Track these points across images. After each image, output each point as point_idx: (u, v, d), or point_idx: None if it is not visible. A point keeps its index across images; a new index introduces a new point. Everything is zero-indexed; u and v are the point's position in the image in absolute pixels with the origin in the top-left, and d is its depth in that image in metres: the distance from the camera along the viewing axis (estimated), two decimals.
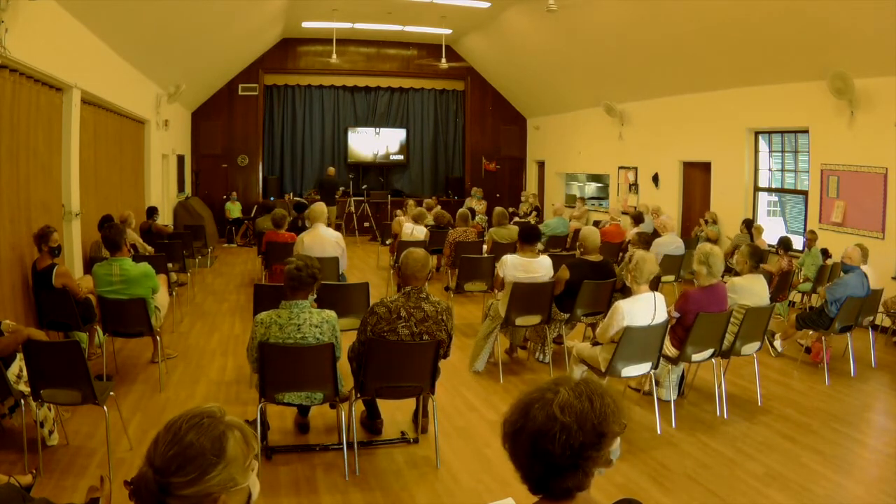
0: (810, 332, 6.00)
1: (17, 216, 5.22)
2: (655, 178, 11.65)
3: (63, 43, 5.99)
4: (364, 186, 15.08)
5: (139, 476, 1.28)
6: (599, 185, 14.29)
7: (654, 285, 4.79)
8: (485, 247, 8.51)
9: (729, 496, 3.57)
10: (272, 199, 14.68)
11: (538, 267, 5.53)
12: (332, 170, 14.34)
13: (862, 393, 5.35)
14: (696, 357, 4.68)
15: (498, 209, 9.02)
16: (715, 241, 9.49)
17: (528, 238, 5.67)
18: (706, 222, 10.03)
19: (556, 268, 5.66)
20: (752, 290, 5.08)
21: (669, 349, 4.68)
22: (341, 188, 14.37)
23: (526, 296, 5.41)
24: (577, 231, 10.43)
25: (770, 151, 9.56)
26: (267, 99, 15.29)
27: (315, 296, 3.78)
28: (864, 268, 5.94)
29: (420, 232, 8.80)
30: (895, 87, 7.05)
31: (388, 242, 10.30)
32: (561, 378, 1.38)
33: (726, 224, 9.75)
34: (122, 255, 5.14)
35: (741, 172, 9.67)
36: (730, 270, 6.70)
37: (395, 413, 4.52)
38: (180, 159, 13.28)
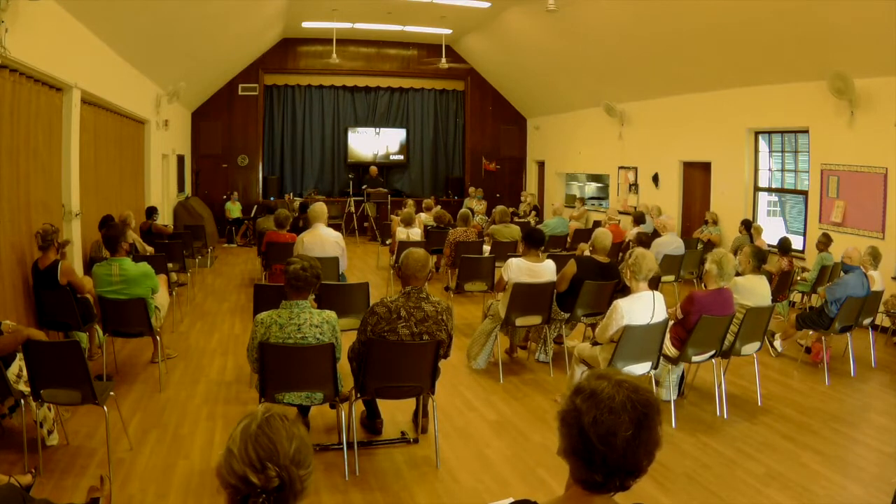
0: (810, 332, 6.00)
1: (17, 216, 5.21)
2: (655, 178, 11.65)
3: (63, 43, 5.98)
4: (364, 186, 15.08)
5: (282, 486, 1.25)
6: (599, 185, 14.29)
7: (654, 285, 4.79)
8: (486, 247, 8.51)
9: (729, 496, 3.57)
10: (272, 199, 14.68)
11: (542, 271, 5.52)
12: (374, 169, 14.75)
13: (862, 393, 5.35)
14: (696, 358, 4.68)
15: (500, 207, 9.03)
16: (717, 245, 9.50)
17: (533, 241, 5.64)
18: (706, 223, 10.02)
19: (557, 268, 5.66)
20: (754, 290, 5.08)
21: (669, 349, 4.68)
22: (385, 190, 14.41)
23: (526, 296, 5.41)
24: (577, 231, 10.47)
25: (770, 151, 9.56)
26: (267, 99, 15.30)
27: (315, 294, 3.78)
28: (872, 273, 5.94)
29: (415, 234, 8.80)
30: (895, 87, 7.05)
31: (387, 242, 10.30)
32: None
33: (726, 224, 9.74)
34: (121, 255, 5.15)
35: (741, 172, 9.67)
36: None
37: (395, 413, 4.51)
38: (180, 159, 13.28)
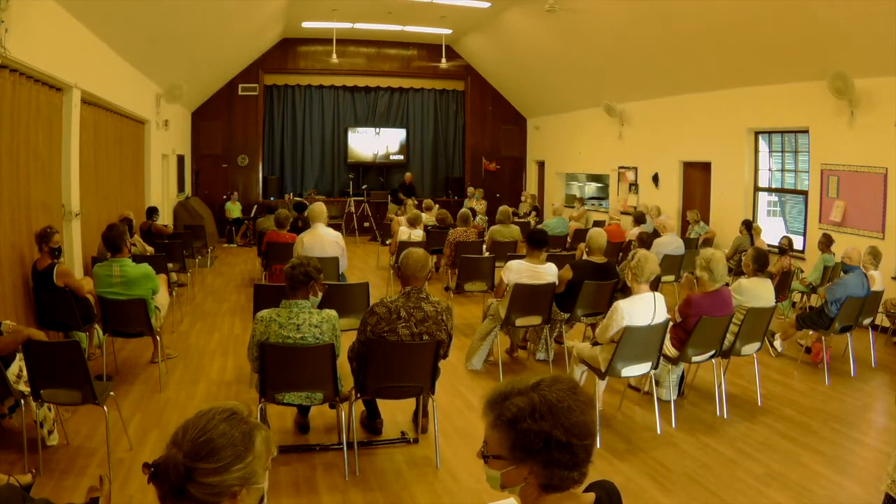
0: (810, 332, 6.00)
1: (17, 216, 5.22)
2: (655, 178, 11.65)
3: (63, 43, 5.98)
4: (364, 186, 15.08)
5: (165, 458, 1.31)
6: (599, 185, 14.29)
7: (654, 285, 4.79)
8: (485, 247, 8.50)
9: (729, 496, 3.57)
10: (272, 199, 14.68)
11: (544, 274, 5.49)
12: (409, 175, 15.20)
13: (862, 393, 5.35)
14: (696, 358, 4.68)
15: (502, 207, 9.02)
16: (711, 241, 9.51)
17: (536, 243, 5.60)
18: (688, 223, 10.07)
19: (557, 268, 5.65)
20: (757, 292, 5.07)
21: (669, 349, 4.68)
22: (411, 199, 14.36)
23: (527, 296, 5.40)
24: (577, 231, 10.46)
25: (770, 151, 9.56)
26: (267, 99, 15.30)
27: (318, 298, 3.77)
28: (873, 273, 5.94)
29: (418, 234, 8.79)
30: (895, 87, 7.05)
31: (388, 242, 10.30)
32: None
33: (726, 225, 9.74)
34: (122, 256, 5.15)
35: (741, 172, 9.67)
36: (731, 271, 6.69)
37: (395, 413, 4.52)
38: (180, 159, 13.28)
